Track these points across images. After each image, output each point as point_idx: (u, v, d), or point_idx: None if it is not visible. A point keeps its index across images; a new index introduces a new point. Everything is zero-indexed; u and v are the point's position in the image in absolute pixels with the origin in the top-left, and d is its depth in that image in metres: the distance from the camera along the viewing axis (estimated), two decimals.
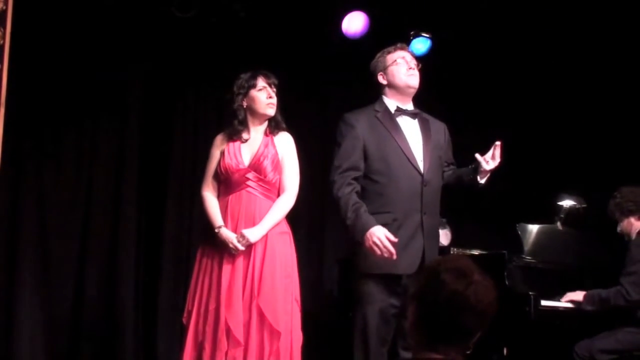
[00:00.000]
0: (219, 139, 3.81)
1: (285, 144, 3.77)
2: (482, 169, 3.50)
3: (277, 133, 3.78)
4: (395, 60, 3.63)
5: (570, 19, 5.19)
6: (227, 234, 3.63)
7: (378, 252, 3.33)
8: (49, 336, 4.71)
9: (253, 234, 3.60)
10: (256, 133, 3.77)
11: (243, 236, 3.60)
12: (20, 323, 4.61)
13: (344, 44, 5.24)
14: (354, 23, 5.21)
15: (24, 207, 4.70)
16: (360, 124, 3.55)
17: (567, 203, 4.97)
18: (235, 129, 3.74)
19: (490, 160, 3.49)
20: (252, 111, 3.75)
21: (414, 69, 3.63)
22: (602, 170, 5.26)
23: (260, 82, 3.73)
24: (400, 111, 3.61)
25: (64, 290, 4.78)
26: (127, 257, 4.91)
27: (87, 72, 4.89)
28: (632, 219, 4.38)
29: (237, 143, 3.74)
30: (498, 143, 3.49)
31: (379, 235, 3.33)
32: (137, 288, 4.95)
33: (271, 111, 3.74)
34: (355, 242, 3.42)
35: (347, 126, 3.57)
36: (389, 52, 3.67)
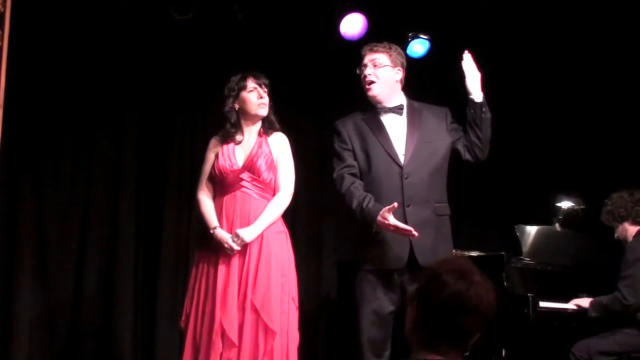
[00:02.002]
0: (213, 142, 3.81)
1: (279, 144, 3.77)
2: (469, 87, 3.65)
3: (271, 133, 3.78)
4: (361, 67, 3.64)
5: (572, 20, 5.19)
6: (222, 234, 3.63)
7: (393, 231, 3.37)
8: (48, 337, 4.70)
9: (247, 234, 3.60)
10: (250, 134, 3.77)
11: (238, 236, 3.60)
12: (19, 324, 4.60)
13: (343, 46, 5.23)
14: (353, 25, 5.21)
15: (23, 208, 4.69)
16: (346, 129, 3.60)
17: (565, 204, 4.98)
18: (227, 132, 3.74)
19: (469, 73, 3.62)
20: (244, 113, 3.75)
21: (367, 76, 3.59)
22: (601, 172, 5.26)
23: (250, 83, 3.73)
24: (384, 109, 3.62)
25: (63, 292, 4.77)
26: (126, 260, 4.90)
27: (86, 75, 4.88)
28: (626, 224, 4.39)
29: (231, 145, 3.74)
30: (466, 54, 3.62)
31: (385, 223, 3.35)
32: (136, 290, 4.94)
33: (263, 111, 3.74)
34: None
35: (335, 134, 3.64)
36: (364, 54, 3.66)
